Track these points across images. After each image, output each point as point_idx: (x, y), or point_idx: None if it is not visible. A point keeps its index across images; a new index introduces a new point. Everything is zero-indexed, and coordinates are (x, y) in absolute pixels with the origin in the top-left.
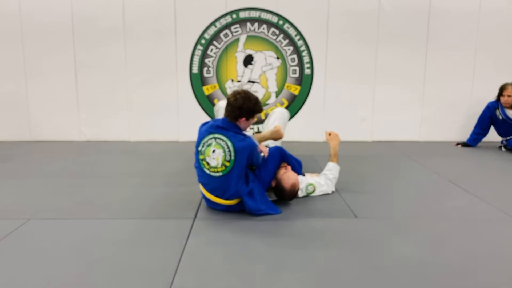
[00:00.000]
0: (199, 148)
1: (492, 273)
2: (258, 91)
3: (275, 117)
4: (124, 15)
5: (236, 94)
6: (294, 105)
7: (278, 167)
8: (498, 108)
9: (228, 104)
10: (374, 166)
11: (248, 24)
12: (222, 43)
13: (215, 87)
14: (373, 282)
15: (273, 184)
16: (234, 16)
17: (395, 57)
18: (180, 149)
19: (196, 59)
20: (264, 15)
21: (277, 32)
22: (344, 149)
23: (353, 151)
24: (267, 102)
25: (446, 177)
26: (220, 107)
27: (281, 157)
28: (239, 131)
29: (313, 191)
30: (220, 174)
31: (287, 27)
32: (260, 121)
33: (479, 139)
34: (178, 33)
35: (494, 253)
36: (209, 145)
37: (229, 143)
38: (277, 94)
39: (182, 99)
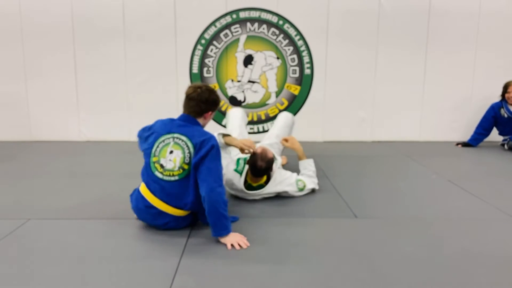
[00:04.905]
0: (152, 150)
1: (492, 273)
2: (258, 91)
3: (280, 124)
4: (124, 15)
5: (197, 87)
6: (294, 105)
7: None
8: (503, 107)
9: (191, 99)
10: (374, 166)
11: (248, 24)
12: (222, 43)
13: (215, 87)
14: (373, 282)
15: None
16: (234, 16)
17: (395, 57)
18: None
19: (196, 59)
20: (264, 15)
21: (277, 32)
22: (344, 149)
23: (353, 151)
24: (267, 102)
25: (446, 177)
26: (236, 116)
27: None
28: (201, 128)
29: (304, 187)
30: (177, 178)
31: (287, 27)
32: (260, 121)
33: (481, 139)
34: (178, 33)
35: (494, 253)
36: (166, 145)
37: (189, 144)
38: (277, 94)
39: (182, 99)
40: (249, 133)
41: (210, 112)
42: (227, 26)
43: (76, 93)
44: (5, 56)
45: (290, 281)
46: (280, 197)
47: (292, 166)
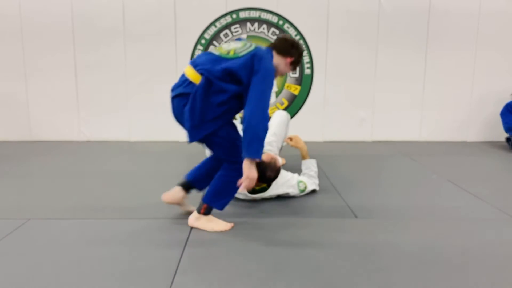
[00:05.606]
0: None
1: (491, 273)
2: None
3: (276, 123)
4: (124, 15)
5: (298, 41)
6: (294, 105)
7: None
8: None
9: (286, 40)
10: (374, 166)
11: (248, 24)
12: (222, 43)
13: None
14: (374, 282)
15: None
16: (234, 16)
17: (395, 57)
18: (180, 149)
19: None
20: (264, 15)
21: (277, 32)
22: (344, 149)
23: (353, 151)
24: None
25: (446, 177)
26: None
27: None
28: (270, 56)
29: (305, 188)
30: (220, 55)
31: (287, 27)
32: None
33: None
34: (178, 33)
35: (494, 253)
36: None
37: (253, 47)
38: (277, 94)
39: None
40: None
41: (292, 58)
42: (227, 26)
43: (76, 93)
44: (5, 56)
45: (290, 281)
46: (280, 197)
47: (290, 166)
